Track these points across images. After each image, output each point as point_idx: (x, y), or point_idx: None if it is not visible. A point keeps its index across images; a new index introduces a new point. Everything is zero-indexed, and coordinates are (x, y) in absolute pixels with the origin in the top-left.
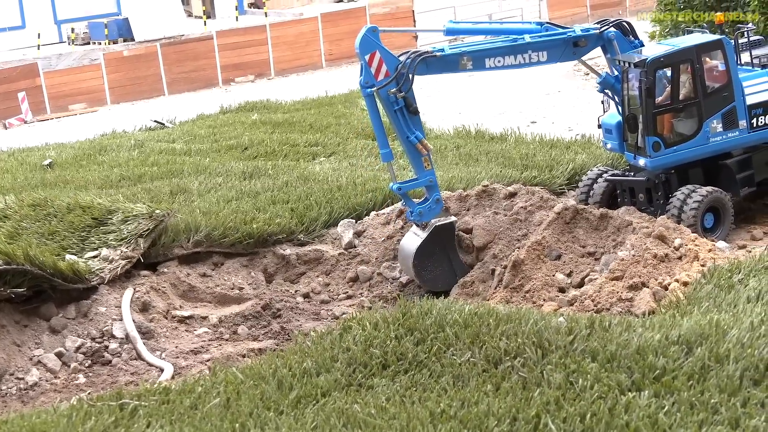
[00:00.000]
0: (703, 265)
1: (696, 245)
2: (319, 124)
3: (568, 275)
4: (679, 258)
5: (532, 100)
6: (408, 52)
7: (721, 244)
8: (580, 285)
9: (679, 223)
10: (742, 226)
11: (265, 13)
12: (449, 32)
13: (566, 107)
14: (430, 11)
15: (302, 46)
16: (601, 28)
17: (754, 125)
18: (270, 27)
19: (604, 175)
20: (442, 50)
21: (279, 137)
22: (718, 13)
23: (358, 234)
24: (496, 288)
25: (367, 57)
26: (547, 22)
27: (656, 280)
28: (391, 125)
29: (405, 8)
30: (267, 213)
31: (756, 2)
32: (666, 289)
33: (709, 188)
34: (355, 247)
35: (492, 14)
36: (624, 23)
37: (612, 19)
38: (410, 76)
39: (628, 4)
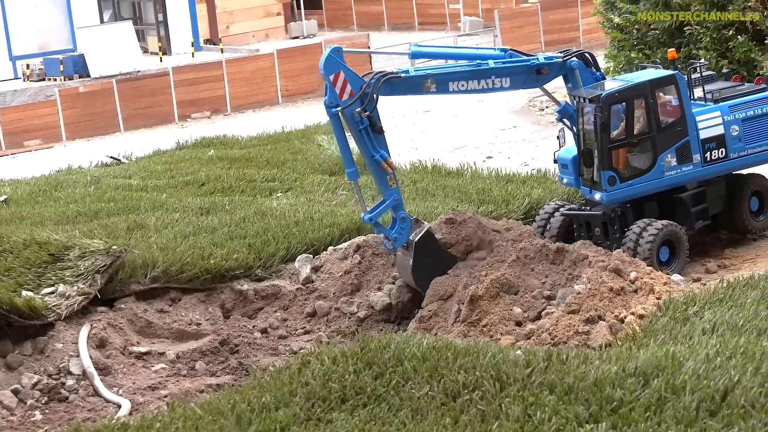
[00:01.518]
0: (658, 298)
1: (651, 278)
2: (276, 159)
3: (526, 309)
4: (635, 291)
5: (487, 135)
6: (372, 72)
7: (676, 277)
8: (537, 318)
9: (634, 257)
10: (697, 259)
11: (221, 49)
12: (414, 55)
13: (522, 142)
14: (386, 47)
15: (258, 82)
16: (564, 57)
17: (708, 159)
18: (226, 63)
19: (561, 210)
20: (407, 72)
21: (236, 173)
22: (671, 49)
23: (315, 269)
24: (454, 322)
25: (331, 77)
26: (511, 49)
27: (612, 313)
28: (357, 145)
29: (361, 45)
30: (224, 248)
31: (708, 39)
32: (622, 321)
33: (665, 222)
34: (312, 282)
35: None
36: (586, 54)
37: (575, 50)
38: (374, 96)
39: (582, 41)
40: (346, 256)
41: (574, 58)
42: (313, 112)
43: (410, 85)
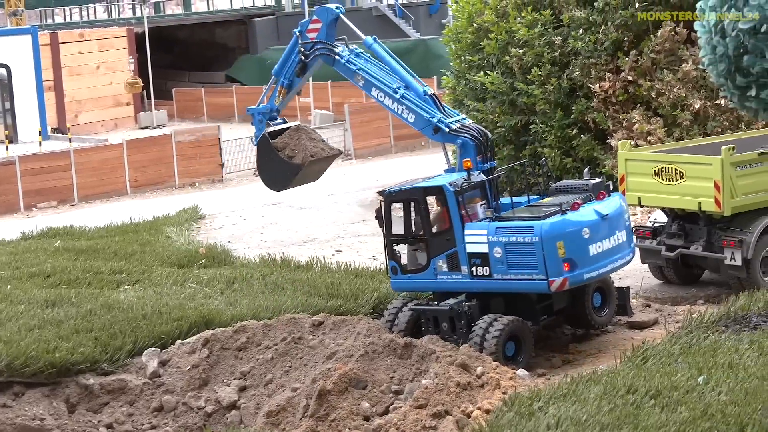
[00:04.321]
0: (504, 393)
1: (497, 373)
2: (124, 251)
3: (374, 404)
4: (482, 386)
5: (336, 229)
6: (326, 42)
7: (521, 372)
8: (385, 413)
9: (481, 352)
10: (542, 354)
11: (69, 138)
12: (366, 43)
13: (370, 236)
14: (236, 139)
15: (107, 172)
16: (461, 130)
17: (474, 274)
18: (74, 153)
19: (409, 305)
20: (343, 57)
21: (82, 264)
22: (466, 159)
23: (163, 363)
24: (302, 417)
25: (315, 17)
26: (432, 95)
27: (459, 408)
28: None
29: (211, 137)
30: (70, 342)
31: (552, 137)
32: (469, 416)
33: (510, 317)
34: (160, 376)
35: None
36: (484, 139)
37: (476, 129)
38: (313, 58)
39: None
40: (194, 350)
41: (466, 137)
42: (162, 204)
43: (345, 69)
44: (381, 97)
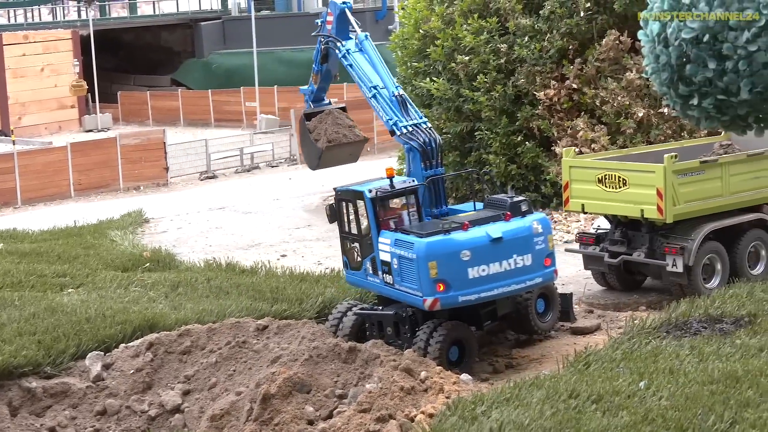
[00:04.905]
0: (447, 398)
1: (441, 378)
2: (68, 254)
3: (318, 408)
4: (425, 390)
5: (282, 233)
6: (333, 36)
7: (465, 376)
8: (329, 417)
9: (425, 356)
10: (485, 358)
11: (13, 141)
12: (359, 42)
13: (315, 241)
14: (181, 143)
15: (50, 175)
16: (410, 135)
17: (384, 280)
18: (17, 155)
19: (354, 309)
20: (341, 53)
21: (26, 267)
22: (389, 167)
23: (106, 366)
24: (246, 421)
25: (329, 10)
26: (400, 95)
27: (403, 412)
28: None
29: (156, 140)
30: (13, 345)
31: (497, 144)
32: (412, 420)
33: (454, 322)
34: (103, 379)
35: (243, 148)
36: (428, 148)
37: (424, 135)
38: (326, 47)
39: (376, 142)
40: (138, 353)
41: (411, 143)
42: (106, 207)
43: (342, 64)
44: (367, 94)
